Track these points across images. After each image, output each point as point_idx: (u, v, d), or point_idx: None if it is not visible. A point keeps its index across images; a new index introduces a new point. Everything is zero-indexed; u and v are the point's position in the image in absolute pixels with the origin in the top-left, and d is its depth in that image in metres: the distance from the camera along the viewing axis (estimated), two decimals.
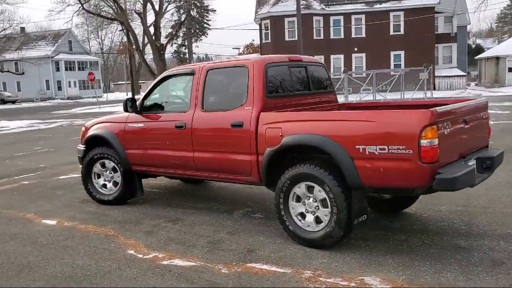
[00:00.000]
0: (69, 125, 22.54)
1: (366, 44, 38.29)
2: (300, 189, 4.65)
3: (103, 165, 6.63)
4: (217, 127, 5.33)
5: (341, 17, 38.74)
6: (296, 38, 37.47)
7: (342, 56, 38.86)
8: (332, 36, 38.72)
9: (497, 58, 41.07)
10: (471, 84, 44.83)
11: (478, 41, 78.78)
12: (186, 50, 48.05)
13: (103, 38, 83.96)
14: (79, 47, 67.44)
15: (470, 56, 50.98)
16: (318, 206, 4.57)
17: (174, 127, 5.69)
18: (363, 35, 38.68)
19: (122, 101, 6.37)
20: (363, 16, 38.50)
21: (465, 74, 40.71)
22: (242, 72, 5.22)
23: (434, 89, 30.26)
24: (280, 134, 4.71)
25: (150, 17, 37.48)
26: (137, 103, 6.14)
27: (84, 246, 5.00)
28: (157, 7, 35.86)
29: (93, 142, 6.73)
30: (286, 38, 38.01)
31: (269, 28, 38.65)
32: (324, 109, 5.73)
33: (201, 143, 5.48)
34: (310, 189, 4.60)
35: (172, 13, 41.12)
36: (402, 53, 38.33)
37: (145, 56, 39.36)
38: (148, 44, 37.48)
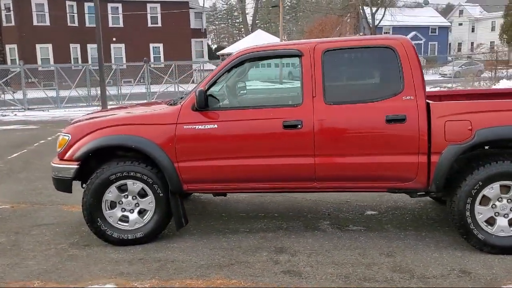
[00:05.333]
0: None
1: (124, 35, 36.58)
2: (493, 190, 4.05)
3: (122, 189, 4.44)
4: (360, 123, 4.18)
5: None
6: (49, 24, 33.40)
7: None
8: (87, 24, 35.49)
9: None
10: None
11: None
12: None
13: None
14: None
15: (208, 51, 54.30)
16: None
17: (280, 127, 4.21)
18: (121, 25, 36.83)
19: None
20: (120, 5, 36.59)
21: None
22: (387, 54, 4.22)
23: (193, 82, 30.41)
24: (469, 127, 3.99)
25: None
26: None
27: None
28: None
29: (99, 155, 4.45)
30: (35, 23, 33.11)
31: (11, 9, 32.90)
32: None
33: (329, 146, 4.21)
34: (504, 189, 4.06)
35: None
36: (161, 46, 38.09)
37: None
38: None
